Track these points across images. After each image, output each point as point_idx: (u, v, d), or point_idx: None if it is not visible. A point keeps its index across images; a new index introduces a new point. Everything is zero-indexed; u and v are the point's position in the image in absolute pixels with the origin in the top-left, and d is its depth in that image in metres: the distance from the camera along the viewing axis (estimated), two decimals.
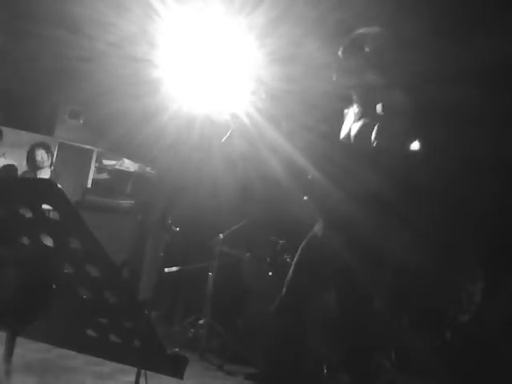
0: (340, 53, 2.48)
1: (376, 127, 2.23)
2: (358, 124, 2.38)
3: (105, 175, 7.20)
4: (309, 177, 2.34)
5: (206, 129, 4.15)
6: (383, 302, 4.21)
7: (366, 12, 3.74)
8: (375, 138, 2.21)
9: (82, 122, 6.83)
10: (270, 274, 4.53)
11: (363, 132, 2.31)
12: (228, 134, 2.58)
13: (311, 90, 3.63)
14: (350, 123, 2.47)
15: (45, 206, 1.20)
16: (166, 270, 5.10)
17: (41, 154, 5.14)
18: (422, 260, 4.33)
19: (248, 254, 4.93)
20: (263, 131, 2.47)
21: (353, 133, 2.39)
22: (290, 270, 2.45)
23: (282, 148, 2.43)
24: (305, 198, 2.47)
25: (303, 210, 2.55)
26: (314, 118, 2.51)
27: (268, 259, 4.67)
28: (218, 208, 5.19)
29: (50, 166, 5.25)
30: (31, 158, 5.18)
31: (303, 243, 2.48)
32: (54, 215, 1.18)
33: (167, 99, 4.09)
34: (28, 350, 3.11)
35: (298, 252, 2.48)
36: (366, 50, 2.41)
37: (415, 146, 5.52)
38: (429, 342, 4.47)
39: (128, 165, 7.19)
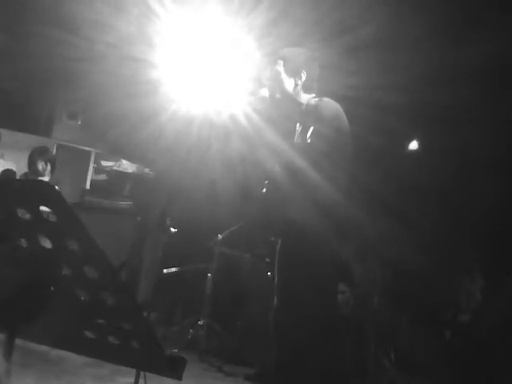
0: (273, 74, 2.55)
1: (311, 130, 2.43)
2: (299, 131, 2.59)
3: (103, 176, 7.18)
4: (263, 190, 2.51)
5: (204, 129, 4.14)
6: (383, 301, 4.22)
7: (365, 13, 3.74)
8: (309, 137, 2.43)
9: (80, 123, 6.80)
10: (270, 274, 4.51)
11: (303, 136, 2.51)
12: (226, 135, 2.64)
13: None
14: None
15: (43, 208, 1.19)
16: (165, 270, 5.10)
17: (41, 165, 5.15)
18: (421, 260, 4.33)
19: (247, 255, 4.92)
20: (261, 132, 2.48)
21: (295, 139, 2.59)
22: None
23: (281, 148, 2.44)
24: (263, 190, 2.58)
25: (302, 210, 2.55)
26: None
27: (267, 259, 4.66)
28: (217, 208, 5.19)
29: (52, 172, 5.23)
30: (33, 166, 5.17)
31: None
32: (51, 217, 1.17)
33: (166, 100, 4.08)
34: (28, 350, 3.10)
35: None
36: (303, 75, 2.50)
37: (414, 145, 5.53)
38: (428, 341, 4.46)
39: (126, 166, 7.17)
